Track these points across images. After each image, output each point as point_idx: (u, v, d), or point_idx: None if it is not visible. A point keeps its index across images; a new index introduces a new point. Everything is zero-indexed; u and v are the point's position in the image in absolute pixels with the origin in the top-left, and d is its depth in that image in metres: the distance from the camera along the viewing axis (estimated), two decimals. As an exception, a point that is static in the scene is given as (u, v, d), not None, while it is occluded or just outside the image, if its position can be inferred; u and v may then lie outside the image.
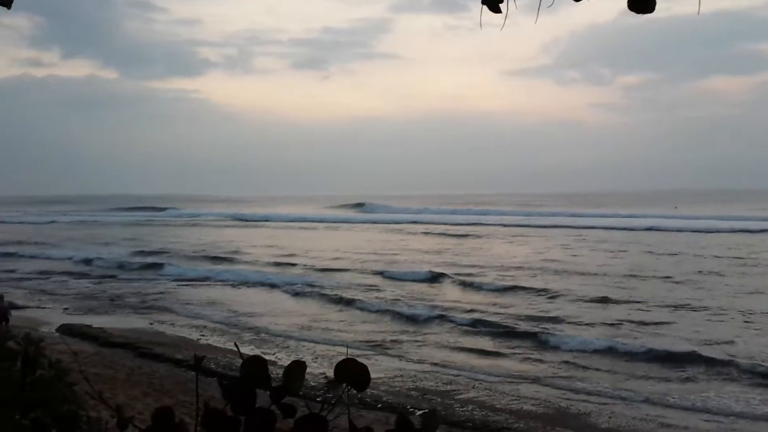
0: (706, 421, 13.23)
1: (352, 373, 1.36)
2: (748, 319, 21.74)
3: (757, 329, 20.48)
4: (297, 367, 1.38)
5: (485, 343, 19.71)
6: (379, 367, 17.03)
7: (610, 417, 13.56)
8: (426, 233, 60.60)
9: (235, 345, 1.47)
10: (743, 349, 18.08)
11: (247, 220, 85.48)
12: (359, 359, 1.42)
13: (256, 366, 1.34)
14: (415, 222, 76.16)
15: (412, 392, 15.15)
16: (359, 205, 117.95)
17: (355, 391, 1.36)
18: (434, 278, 31.37)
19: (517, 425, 12.86)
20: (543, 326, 21.21)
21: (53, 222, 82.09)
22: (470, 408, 13.94)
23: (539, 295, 26.57)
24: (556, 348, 18.72)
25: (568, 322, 21.81)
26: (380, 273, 33.21)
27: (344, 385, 1.37)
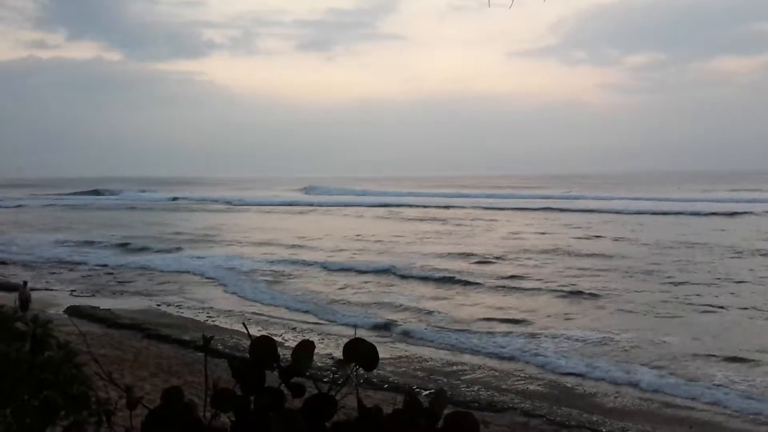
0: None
1: (360, 352, 1.36)
2: None
3: None
4: (305, 347, 1.38)
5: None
6: (385, 348, 17.13)
7: (616, 397, 13.62)
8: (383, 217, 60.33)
9: (244, 325, 1.48)
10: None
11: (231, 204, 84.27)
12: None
13: (265, 346, 1.34)
14: (381, 204, 75.55)
15: (418, 372, 15.22)
16: (309, 189, 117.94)
17: (363, 371, 1.37)
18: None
19: (523, 405, 12.91)
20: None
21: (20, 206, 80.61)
22: (476, 388, 14.00)
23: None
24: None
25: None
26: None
27: (353, 364, 1.37)
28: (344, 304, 22.60)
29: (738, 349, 16.26)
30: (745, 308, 20.70)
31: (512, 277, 26.47)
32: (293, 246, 37.11)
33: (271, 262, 30.77)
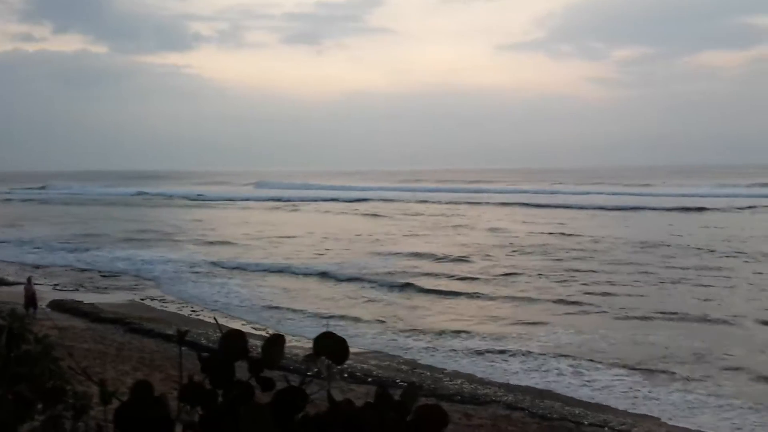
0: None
1: (330, 346, 1.37)
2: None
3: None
4: (276, 341, 1.39)
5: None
6: (368, 341, 17.18)
7: (595, 391, 13.72)
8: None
9: (215, 319, 1.48)
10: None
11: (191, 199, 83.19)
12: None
13: (235, 339, 1.35)
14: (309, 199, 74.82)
15: (402, 366, 15.27)
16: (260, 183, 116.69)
17: (333, 364, 1.37)
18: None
19: (505, 398, 12.98)
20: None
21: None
22: (460, 382, 14.05)
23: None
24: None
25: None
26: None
27: (323, 358, 1.38)
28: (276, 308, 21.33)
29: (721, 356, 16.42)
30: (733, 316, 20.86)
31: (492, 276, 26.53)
32: (228, 244, 35.73)
33: (212, 264, 29.02)
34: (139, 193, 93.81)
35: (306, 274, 26.65)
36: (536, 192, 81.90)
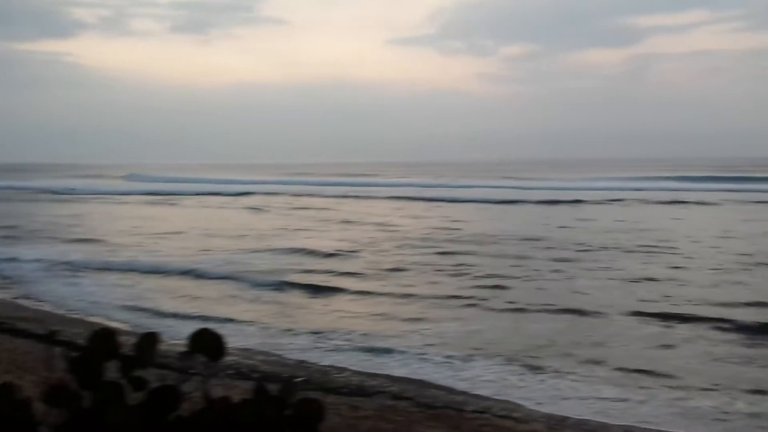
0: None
1: (206, 343, 1.35)
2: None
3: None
4: (149, 338, 1.35)
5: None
6: (249, 340, 16.98)
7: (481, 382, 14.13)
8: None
9: (85, 318, 1.42)
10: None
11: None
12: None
13: (105, 338, 1.30)
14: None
15: (289, 361, 15.19)
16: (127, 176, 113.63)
17: (209, 361, 1.35)
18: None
19: (392, 388, 13.15)
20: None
21: None
22: (347, 374, 14.12)
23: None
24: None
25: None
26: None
27: (199, 355, 1.35)
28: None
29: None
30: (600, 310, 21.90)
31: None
32: (98, 242, 34.19)
33: (80, 262, 27.33)
34: (7, 188, 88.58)
35: (181, 272, 25.51)
36: (425, 186, 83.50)
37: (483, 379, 14.00)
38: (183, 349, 1.43)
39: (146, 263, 27.06)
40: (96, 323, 17.21)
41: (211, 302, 21.11)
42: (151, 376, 1.49)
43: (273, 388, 1.56)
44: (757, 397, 12.67)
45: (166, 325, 17.71)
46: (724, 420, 11.80)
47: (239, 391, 9.33)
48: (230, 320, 18.48)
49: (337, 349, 16.01)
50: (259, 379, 13.32)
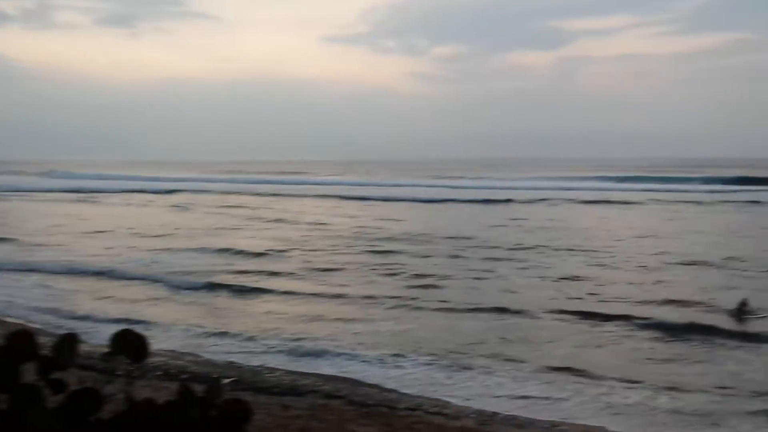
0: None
1: (129, 344, 1.32)
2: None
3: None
4: (68, 340, 1.31)
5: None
6: (181, 336, 16.70)
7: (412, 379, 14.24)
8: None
9: (1, 320, 1.38)
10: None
11: None
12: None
13: (22, 339, 1.26)
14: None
15: (220, 361, 14.99)
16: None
17: (132, 362, 1.32)
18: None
19: (325, 387, 13.13)
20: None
21: None
22: (279, 374, 14.03)
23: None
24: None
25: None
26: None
27: (122, 356, 1.32)
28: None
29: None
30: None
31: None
32: (10, 241, 32.74)
33: None
34: None
35: (104, 273, 24.56)
36: (358, 184, 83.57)
37: (414, 378, 14.13)
38: (105, 350, 1.40)
39: (67, 263, 25.99)
40: (12, 324, 16.62)
41: (135, 304, 20.49)
42: (74, 378, 1.45)
43: (200, 389, 1.54)
44: (678, 392, 13.12)
45: (87, 327, 17.18)
46: (647, 414, 12.19)
47: (167, 392, 9.17)
48: (155, 322, 18.01)
49: (266, 351, 15.86)
50: (187, 380, 13.11)
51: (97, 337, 15.33)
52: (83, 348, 1.53)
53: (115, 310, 19.51)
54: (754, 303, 18.91)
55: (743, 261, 27.07)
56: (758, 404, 12.53)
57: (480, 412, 12.09)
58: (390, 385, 13.69)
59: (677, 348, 16.21)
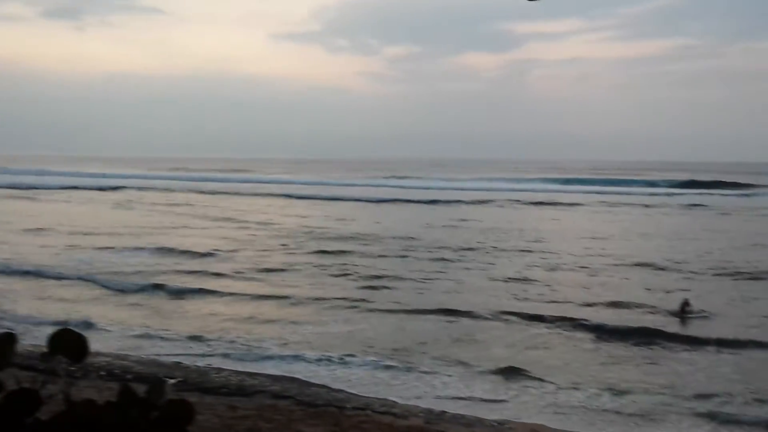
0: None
1: (67, 343, 1.28)
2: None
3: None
4: (4, 340, 1.27)
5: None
6: (125, 337, 16.42)
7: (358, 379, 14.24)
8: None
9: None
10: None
11: None
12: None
13: (-45, 340, 1.22)
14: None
15: (166, 361, 14.77)
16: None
17: (70, 362, 1.29)
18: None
19: (273, 387, 13.05)
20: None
21: None
22: (226, 374, 13.88)
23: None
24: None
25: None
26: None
27: (60, 356, 1.29)
28: None
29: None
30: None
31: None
32: None
33: None
34: None
35: (42, 273, 23.64)
36: (307, 183, 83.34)
37: (362, 378, 14.16)
38: (44, 350, 1.36)
39: (3, 262, 24.98)
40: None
41: (76, 304, 19.94)
42: (11, 378, 1.41)
43: (143, 389, 1.51)
44: (619, 392, 13.41)
45: (27, 327, 16.59)
46: (590, 413, 12.42)
47: (110, 393, 8.99)
48: (97, 322, 17.57)
49: (212, 353, 15.66)
50: (131, 380, 12.89)
51: (38, 338, 14.95)
52: (23, 348, 1.49)
53: (55, 311, 18.97)
54: (695, 304, 19.43)
55: (686, 263, 27.79)
56: (698, 404, 12.88)
57: (428, 411, 12.16)
58: (338, 385, 13.69)
59: (621, 349, 16.55)
